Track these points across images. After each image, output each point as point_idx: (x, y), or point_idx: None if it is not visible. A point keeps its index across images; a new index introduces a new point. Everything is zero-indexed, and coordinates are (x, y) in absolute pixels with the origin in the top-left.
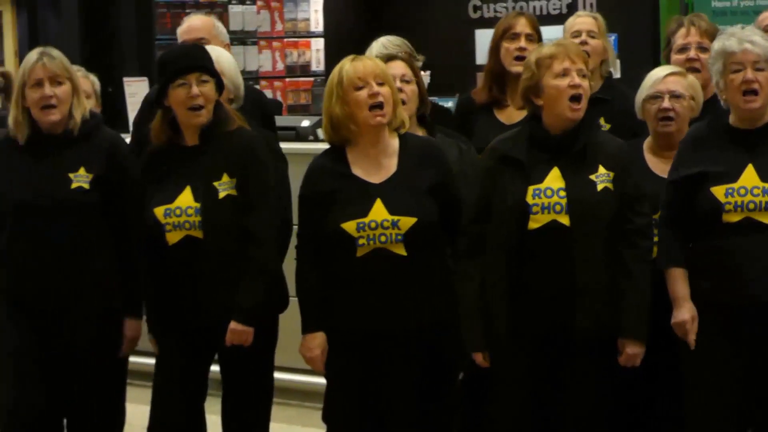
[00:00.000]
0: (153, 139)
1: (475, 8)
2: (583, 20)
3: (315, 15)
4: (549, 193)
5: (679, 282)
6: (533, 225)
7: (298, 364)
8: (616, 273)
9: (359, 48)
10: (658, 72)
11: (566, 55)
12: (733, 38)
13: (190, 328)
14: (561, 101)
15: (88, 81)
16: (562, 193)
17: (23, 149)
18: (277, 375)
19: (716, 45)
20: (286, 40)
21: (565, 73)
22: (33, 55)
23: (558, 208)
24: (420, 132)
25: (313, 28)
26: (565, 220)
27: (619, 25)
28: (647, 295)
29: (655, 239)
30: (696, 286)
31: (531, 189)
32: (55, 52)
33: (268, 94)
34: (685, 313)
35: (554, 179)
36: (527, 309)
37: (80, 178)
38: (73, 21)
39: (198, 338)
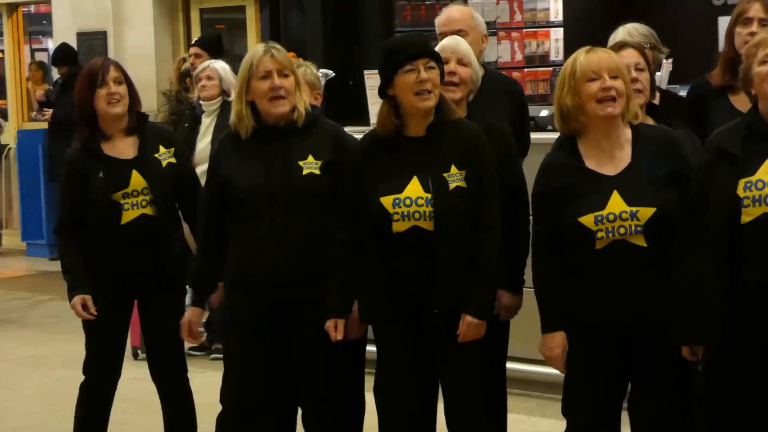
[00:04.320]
0: (379, 129)
1: None
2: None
3: (554, 5)
4: (760, 185)
5: None
6: (745, 219)
7: (538, 355)
8: None
9: (599, 37)
10: None
11: None
12: None
13: (418, 317)
14: (763, 88)
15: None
16: None
17: (247, 143)
18: (516, 366)
19: None
20: (525, 30)
21: (767, 60)
22: (260, 48)
23: None
24: (648, 121)
25: (552, 18)
26: None
27: None
28: None
29: None
30: None
31: (742, 182)
32: (279, 46)
33: None
34: None
35: (767, 171)
36: (745, 304)
37: (310, 165)
38: (315, 15)
39: (424, 327)
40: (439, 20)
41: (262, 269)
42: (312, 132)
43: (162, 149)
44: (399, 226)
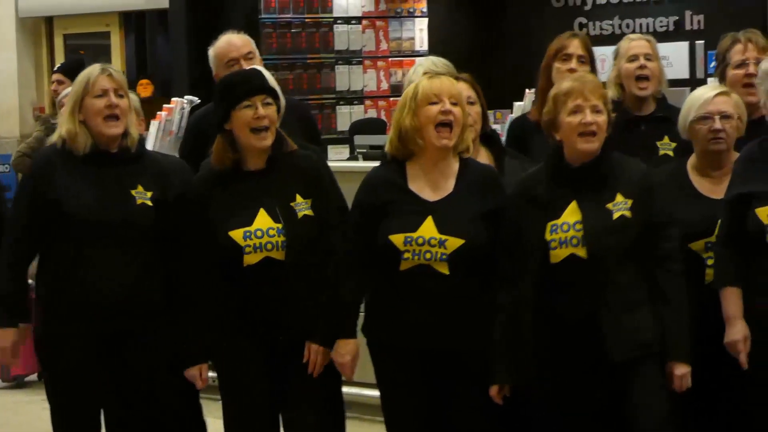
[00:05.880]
0: (215, 163)
1: (581, 25)
2: (639, 44)
3: (420, 34)
4: (565, 227)
5: (732, 301)
6: (554, 260)
7: None
8: (652, 298)
9: (463, 67)
10: (706, 92)
11: (581, 93)
12: None
13: (268, 345)
14: (573, 137)
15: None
16: (578, 227)
17: (79, 164)
18: (366, 392)
19: (764, 65)
20: (390, 59)
21: (577, 110)
22: (96, 67)
23: (575, 241)
24: (484, 151)
25: (417, 48)
26: (582, 252)
27: None
28: (685, 315)
29: (710, 261)
30: (751, 305)
31: (549, 225)
32: (116, 69)
33: (372, 113)
34: (737, 332)
35: (571, 213)
36: (555, 341)
37: (142, 195)
38: (180, 41)
39: (276, 354)
40: (221, 49)
41: (92, 299)
42: (143, 161)
43: None
44: (250, 259)
